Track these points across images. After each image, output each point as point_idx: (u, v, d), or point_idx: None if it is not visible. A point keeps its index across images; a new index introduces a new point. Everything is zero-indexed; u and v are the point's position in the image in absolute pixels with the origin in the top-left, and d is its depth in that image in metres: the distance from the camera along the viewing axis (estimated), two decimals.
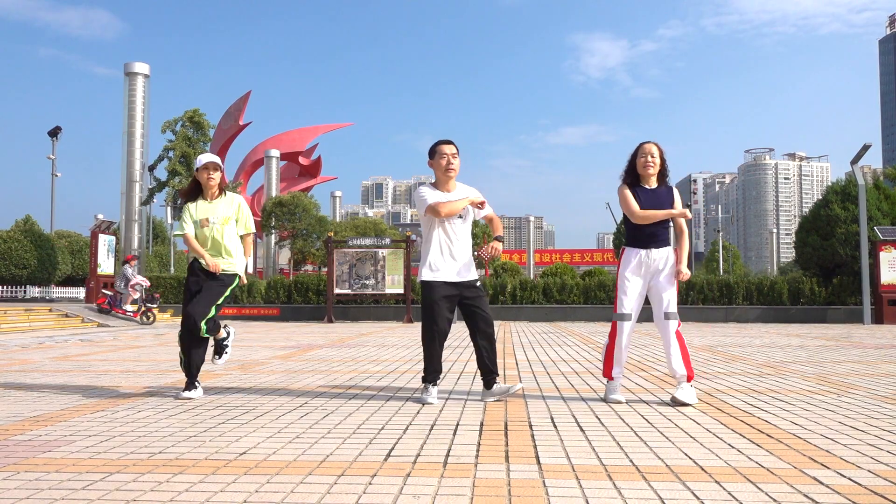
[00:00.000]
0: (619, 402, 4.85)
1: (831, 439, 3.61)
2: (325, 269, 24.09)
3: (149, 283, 19.73)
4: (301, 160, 62.76)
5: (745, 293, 22.11)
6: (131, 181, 26.43)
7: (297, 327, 17.40)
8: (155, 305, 19.15)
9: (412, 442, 3.56)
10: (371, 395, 5.29)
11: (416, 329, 16.25)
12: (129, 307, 18.96)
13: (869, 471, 2.96)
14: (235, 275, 5.40)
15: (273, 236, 43.63)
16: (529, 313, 21.99)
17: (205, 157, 5.38)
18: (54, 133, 43.02)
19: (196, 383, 5.27)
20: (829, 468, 3.01)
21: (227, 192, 5.50)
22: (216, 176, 5.37)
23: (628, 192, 4.95)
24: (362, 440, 3.62)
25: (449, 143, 5.00)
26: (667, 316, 4.85)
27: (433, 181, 5.08)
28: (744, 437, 3.68)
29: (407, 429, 3.92)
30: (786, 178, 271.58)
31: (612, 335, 5.00)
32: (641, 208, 4.88)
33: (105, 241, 24.00)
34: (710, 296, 22.18)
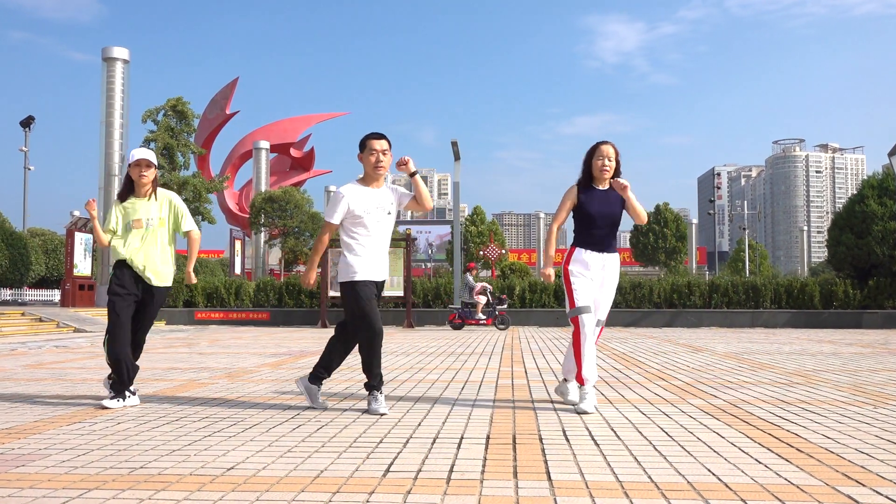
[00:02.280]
0: (587, 413, 4.88)
1: (867, 454, 3.60)
2: (319, 270, 24.15)
3: (491, 287, 19.91)
4: (292, 152, 62.83)
5: (773, 296, 22.10)
6: (110, 175, 26.50)
7: (289, 333, 17.42)
8: (504, 307, 19.39)
9: (413, 456, 3.57)
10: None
11: (416, 334, 16.25)
12: (481, 315, 19.13)
13: None
14: (168, 288, 5.51)
15: (262, 234, 43.70)
16: (540, 317, 22.00)
17: (137, 153, 5.43)
18: (27, 123, 43.12)
19: (131, 391, 5.32)
20: (864, 485, 3.01)
21: (161, 191, 5.53)
22: (149, 173, 5.41)
23: (568, 200, 5.20)
24: (359, 454, 3.62)
25: (380, 137, 5.13)
26: (598, 323, 5.18)
27: (361, 177, 5.19)
28: (771, 451, 3.68)
29: (407, 442, 3.92)
30: (817, 172, 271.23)
31: (576, 334, 5.07)
32: (593, 210, 5.11)
33: (82, 240, 24.05)
34: (736, 299, 22.17)
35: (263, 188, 47.12)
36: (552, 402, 5.49)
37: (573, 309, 5.07)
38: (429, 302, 22.73)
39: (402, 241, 21.89)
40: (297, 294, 23.04)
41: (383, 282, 5.21)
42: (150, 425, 4.49)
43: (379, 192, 5.12)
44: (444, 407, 5.21)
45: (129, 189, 5.47)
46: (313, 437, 4.10)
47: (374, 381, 5.09)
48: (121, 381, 5.25)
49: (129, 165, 5.41)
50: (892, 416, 4.76)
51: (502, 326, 18.87)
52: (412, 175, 5.07)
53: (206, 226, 32.84)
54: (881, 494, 2.88)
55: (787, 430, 4.25)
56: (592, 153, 5.22)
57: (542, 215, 62.74)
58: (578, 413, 4.90)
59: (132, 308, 5.33)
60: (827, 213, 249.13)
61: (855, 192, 23.71)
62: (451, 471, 3.27)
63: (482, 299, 19.15)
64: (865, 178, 23.79)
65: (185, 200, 31.64)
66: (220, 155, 60.70)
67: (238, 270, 38.17)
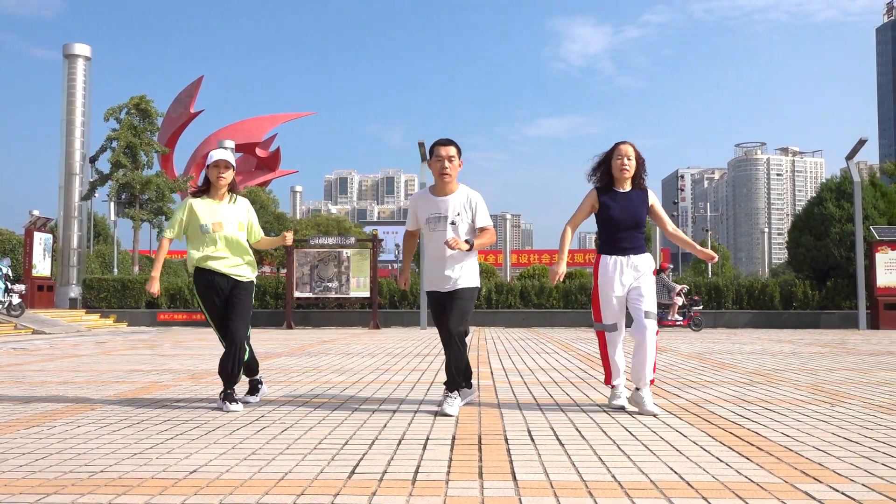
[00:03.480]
0: (621, 409, 5.07)
1: (824, 452, 3.67)
2: (285, 271, 23.97)
3: (687, 288, 19.44)
4: (258, 152, 62.35)
5: (734, 297, 22.44)
6: (70, 174, 26.02)
7: (254, 334, 17.27)
8: (700, 308, 19.13)
9: (378, 458, 3.56)
10: (334, 407, 5.28)
11: (383, 336, 16.23)
12: (677, 317, 18.72)
13: (863, 485, 3.03)
14: (253, 282, 5.44)
15: None
16: (506, 318, 22.08)
17: (216, 154, 5.37)
18: None
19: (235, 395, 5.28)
20: (821, 482, 3.07)
21: (239, 197, 5.46)
22: (227, 175, 5.31)
23: (587, 204, 5.10)
24: (324, 456, 3.60)
25: (447, 143, 4.98)
26: (647, 315, 4.93)
27: (432, 185, 5.12)
28: (732, 449, 3.74)
29: (373, 443, 3.91)
30: (778, 175, 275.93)
31: (602, 346, 5.13)
32: (614, 214, 4.98)
33: (41, 240, 23.60)
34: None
35: None
36: (518, 402, 5.51)
37: (598, 324, 5.07)
38: (395, 303, 22.69)
39: (368, 242, 21.83)
40: (261, 295, 22.85)
41: (453, 291, 5.01)
42: (111, 428, 4.42)
43: (444, 200, 4.99)
44: (410, 408, 5.20)
45: (205, 190, 5.37)
46: (278, 439, 4.07)
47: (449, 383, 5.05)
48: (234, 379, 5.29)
49: (208, 167, 5.33)
50: (849, 415, 4.86)
51: (697, 328, 18.68)
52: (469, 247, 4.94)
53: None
54: (837, 491, 2.93)
55: (748, 429, 4.32)
56: (611, 154, 5.07)
57: (508, 216, 62.85)
58: (630, 411, 4.98)
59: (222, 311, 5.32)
60: (787, 215, 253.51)
61: (814, 194, 24.16)
62: (416, 472, 3.27)
63: (679, 301, 18.86)
64: (824, 181, 24.25)
65: (149, 200, 31.24)
66: (185, 154, 60.00)
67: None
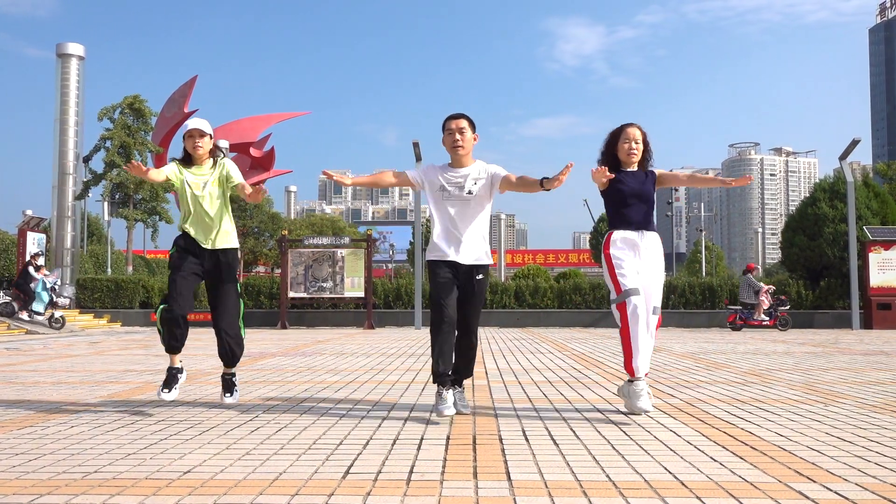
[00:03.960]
0: (647, 412, 4.62)
1: (818, 451, 3.68)
2: (279, 271, 23.95)
3: (773, 288, 19.32)
4: (252, 152, 62.16)
5: (729, 296, 22.46)
6: (64, 174, 25.94)
7: (248, 334, 17.22)
8: (787, 307, 19.09)
9: (373, 458, 3.56)
10: (328, 407, 5.27)
11: (377, 336, 16.22)
12: (763, 317, 18.63)
13: (856, 484, 3.03)
14: (236, 250, 5.19)
15: None
16: (500, 318, 22.09)
17: (190, 122, 5.10)
18: None
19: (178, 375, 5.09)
20: (815, 482, 3.08)
21: (218, 161, 5.19)
22: (204, 143, 5.06)
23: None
24: (318, 456, 3.60)
25: (458, 117, 4.82)
26: (653, 311, 4.71)
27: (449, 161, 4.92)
28: (726, 449, 3.74)
29: (367, 444, 3.91)
30: (772, 175, 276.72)
31: (623, 320, 4.62)
32: (623, 188, 4.74)
33: (34, 240, 23.53)
34: (693, 299, 22.51)
35: None
36: (512, 402, 5.52)
37: (620, 294, 4.62)
38: (389, 303, 22.68)
39: (363, 242, 21.82)
40: (256, 295, 22.83)
41: (472, 266, 4.74)
42: (105, 429, 4.40)
43: (460, 170, 4.81)
44: (405, 408, 5.20)
45: (188, 161, 5.14)
46: (272, 439, 4.06)
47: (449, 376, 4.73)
48: (172, 348, 4.99)
49: (183, 137, 5.10)
50: (842, 414, 4.87)
51: (784, 328, 18.61)
52: (543, 187, 4.61)
53: (163, 225, 32.34)
54: (831, 490, 2.94)
55: (742, 429, 4.32)
56: (617, 136, 4.85)
57: (502, 216, 62.98)
58: (636, 413, 4.67)
59: (192, 279, 4.99)
60: (781, 215, 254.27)
61: (808, 195, 24.23)
62: (411, 472, 3.27)
63: (766, 301, 18.79)
64: (818, 181, 24.33)
65: (142, 200, 31.15)
66: (178, 153, 59.84)
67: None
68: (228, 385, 5.18)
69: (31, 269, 19.14)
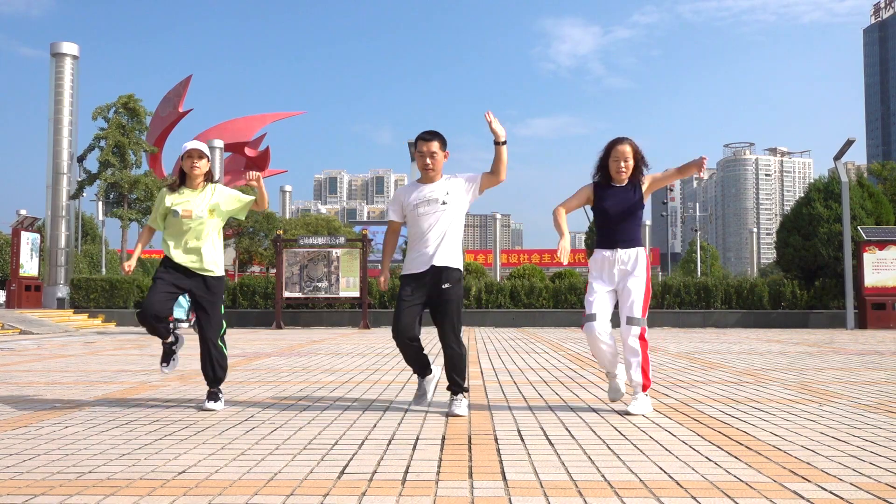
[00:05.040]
0: (617, 400, 5.20)
1: (812, 451, 3.69)
2: (274, 271, 23.92)
3: None
4: (247, 151, 62.12)
5: (723, 296, 22.52)
6: (58, 173, 25.88)
7: (243, 334, 17.22)
8: None
9: (368, 458, 3.56)
10: (323, 407, 5.27)
11: (373, 335, 16.22)
12: None
13: (851, 483, 3.04)
14: (222, 278, 5.33)
15: None
16: (495, 318, 22.10)
17: (189, 144, 5.29)
18: None
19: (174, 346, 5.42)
20: (810, 481, 3.08)
21: (212, 184, 5.36)
22: (201, 164, 5.24)
23: (582, 194, 5.07)
24: (314, 456, 3.60)
25: (428, 139, 4.93)
26: (629, 321, 4.85)
27: (419, 178, 5.11)
28: (721, 449, 3.75)
29: (362, 444, 3.91)
30: (766, 175, 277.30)
31: (588, 340, 5.05)
32: (608, 206, 4.91)
33: (28, 240, 23.47)
34: (687, 299, 22.55)
35: None
36: (508, 402, 5.52)
37: (585, 316, 4.98)
38: (385, 303, 22.66)
39: (358, 242, 21.80)
40: (251, 295, 22.80)
41: (444, 268, 4.85)
42: (99, 429, 4.40)
43: (432, 185, 4.97)
44: (400, 408, 5.20)
45: (182, 182, 5.33)
46: (267, 439, 4.06)
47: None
48: (159, 336, 5.26)
49: (181, 157, 5.30)
50: (837, 414, 4.89)
51: None
52: (499, 144, 4.80)
53: None
54: (826, 490, 2.95)
55: (737, 428, 4.33)
56: (608, 153, 4.94)
57: (497, 216, 62.92)
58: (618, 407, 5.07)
59: (171, 289, 5.18)
60: (776, 215, 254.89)
61: (802, 195, 24.28)
62: (406, 472, 3.27)
63: None
64: (812, 181, 24.38)
65: (136, 200, 31.07)
66: (173, 154, 59.69)
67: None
68: (213, 395, 5.26)
69: None
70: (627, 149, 4.89)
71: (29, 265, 23.42)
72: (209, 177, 5.35)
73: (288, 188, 79.41)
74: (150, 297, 5.10)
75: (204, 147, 5.34)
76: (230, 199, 5.34)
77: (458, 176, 5.05)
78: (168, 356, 5.42)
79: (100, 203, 34.16)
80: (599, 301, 4.92)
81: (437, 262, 4.85)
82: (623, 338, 4.91)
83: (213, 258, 5.27)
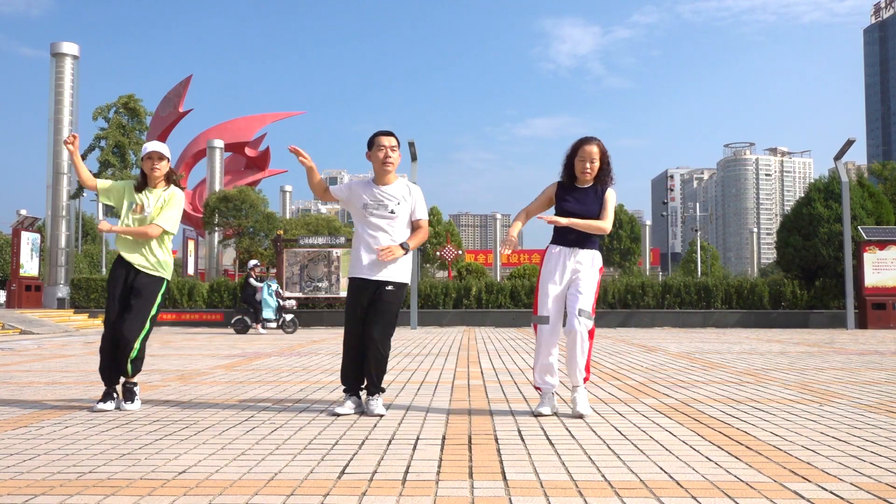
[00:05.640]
0: (543, 416, 4.76)
1: (813, 451, 3.69)
2: (274, 271, 23.92)
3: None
4: (247, 151, 62.09)
5: (724, 296, 22.52)
6: (58, 173, 25.90)
7: (243, 334, 17.20)
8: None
9: (368, 458, 3.56)
10: (324, 407, 5.27)
11: None
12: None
13: (852, 483, 3.04)
14: (164, 280, 5.35)
15: (216, 234, 43.13)
16: (496, 318, 22.10)
17: (149, 146, 5.37)
18: None
19: (114, 394, 5.23)
20: (810, 481, 3.08)
21: (173, 187, 5.44)
22: (161, 166, 5.33)
23: (544, 195, 5.00)
24: (314, 456, 3.60)
25: (388, 134, 5.05)
26: (581, 313, 4.73)
27: (372, 177, 5.13)
28: (722, 449, 3.75)
29: (363, 444, 3.91)
30: (767, 175, 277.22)
31: (537, 339, 4.95)
32: (568, 206, 4.82)
33: (29, 240, 23.48)
34: (688, 299, 22.54)
35: (217, 188, 46.48)
36: (508, 402, 5.52)
37: (534, 316, 4.91)
38: None
39: None
40: None
41: (383, 282, 4.92)
42: (99, 429, 4.40)
43: (385, 189, 5.00)
44: (400, 408, 5.20)
45: (144, 183, 5.39)
46: (267, 439, 4.06)
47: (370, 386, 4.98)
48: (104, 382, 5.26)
49: (142, 159, 5.36)
50: (838, 414, 4.89)
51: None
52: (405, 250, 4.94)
53: None
54: (826, 490, 2.95)
55: (737, 428, 4.33)
56: (575, 152, 4.84)
57: (498, 216, 62.95)
58: (536, 415, 4.81)
59: (119, 306, 5.24)
60: (776, 215, 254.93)
61: (802, 195, 24.28)
62: (406, 472, 3.27)
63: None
64: (812, 181, 24.38)
65: None
66: (174, 154, 59.76)
67: (191, 271, 37.58)
68: (129, 393, 5.24)
69: (251, 279, 18.02)
70: (594, 149, 4.79)
71: (29, 265, 23.42)
72: (169, 178, 5.43)
73: (288, 188, 79.38)
74: (108, 322, 5.22)
75: (164, 149, 5.40)
76: (162, 209, 5.35)
77: (412, 191, 5.09)
78: (108, 396, 5.22)
79: (100, 203, 34.18)
80: (554, 303, 4.85)
81: (391, 275, 4.94)
82: (571, 329, 4.76)
83: (156, 257, 5.29)
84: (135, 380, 5.29)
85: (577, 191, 4.89)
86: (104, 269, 33.99)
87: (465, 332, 17.82)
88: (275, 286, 18.13)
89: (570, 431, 4.27)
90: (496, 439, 4.02)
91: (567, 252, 4.83)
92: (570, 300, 4.79)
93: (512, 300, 22.74)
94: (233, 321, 17.84)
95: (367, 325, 4.91)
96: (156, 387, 6.55)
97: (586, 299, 4.76)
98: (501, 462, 3.45)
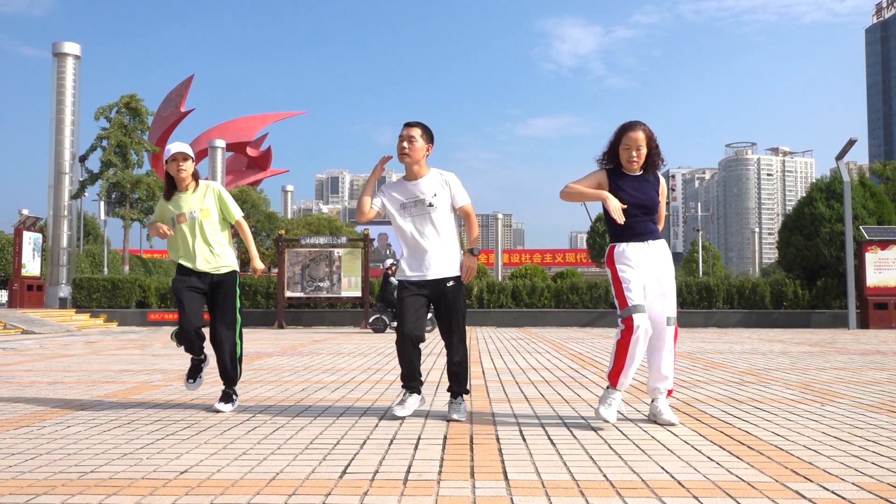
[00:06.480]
0: (607, 422, 4.34)
1: (814, 451, 3.69)
2: (276, 271, 23.92)
3: None
4: (249, 151, 62.21)
5: (725, 296, 22.51)
6: (60, 173, 25.91)
7: (245, 334, 17.19)
8: None
9: (370, 457, 3.56)
10: (325, 407, 5.27)
11: (374, 335, 16.22)
12: None
13: (853, 483, 3.04)
14: (234, 272, 5.29)
15: None
16: (497, 318, 22.09)
17: (173, 147, 5.24)
18: None
19: (202, 366, 5.38)
20: (812, 481, 3.08)
21: (202, 182, 5.32)
22: (186, 166, 5.19)
23: (595, 177, 4.53)
24: (315, 456, 3.60)
25: (409, 125, 4.79)
26: (669, 321, 4.43)
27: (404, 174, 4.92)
28: (724, 449, 3.75)
29: (364, 443, 3.91)
30: (768, 174, 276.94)
31: (626, 336, 4.30)
32: (626, 197, 4.41)
33: (30, 239, 23.49)
34: (689, 299, 22.52)
35: None
36: (510, 402, 5.52)
37: (626, 308, 4.30)
38: None
39: (360, 242, 21.79)
40: (253, 295, 22.81)
41: (442, 280, 4.71)
42: (101, 429, 4.40)
43: (418, 183, 4.76)
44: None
45: (172, 186, 5.27)
46: (269, 438, 4.06)
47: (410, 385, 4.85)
48: (193, 352, 5.26)
49: (167, 162, 5.21)
50: (839, 414, 4.88)
51: None
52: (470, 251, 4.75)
53: None
54: (828, 490, 2.95)
55: (739, 428, 4.33)
56: (619, 140, 4.45)
57: (499, 216, 62.92)
58: (598, 419, 4.37)
59: (199, 298, 5.18)
60: (777, 215, 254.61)
61: (804, 194, 24.26)
62: (408, 471, 3.27)
63: None
64: (814, 181, 24.36)
65: (139, 200, 31.09)
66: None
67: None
68: (227, 396, 5.20)
69: (391, 278, 17.63)
70: (640, 135, 4.41)
71: (31, 265, 23.43)
72: (196, 177, 5.33)
73: (290, 188, 79.45)
74: (185, 314, 5.08)
75: (187, 149, 5.28)
76: (225, 207, 5.33)
77: (446, 179, 4.82)
78: (196, 372, 5.38)
79: (102, 203, 34.19)
80: (641, 290, 4.35)
81: (440, 270, 4.73)
82: (660, 340, 4.43)
83: (221, 253, 5.23)
84: (234, 388, 5.26)
85: (630, 179, 4.49)
86: (106, 269, 33.99)
87: (467, 331, 17.78)
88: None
89: (571, 431, 4.26)
90: (498, 439, 4.02)
91: (641, 246, 4.43)
92: (658, 305, 4.42)
93: (513, 300, 22.72)
94: (371, 320, 17.71)
95: (444, 328, 4.80)
96: (157, 386, 6.55)
97: (672, 304, 4.45)
98: (503, 462, 3.45)
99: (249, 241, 5.41)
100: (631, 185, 4.48)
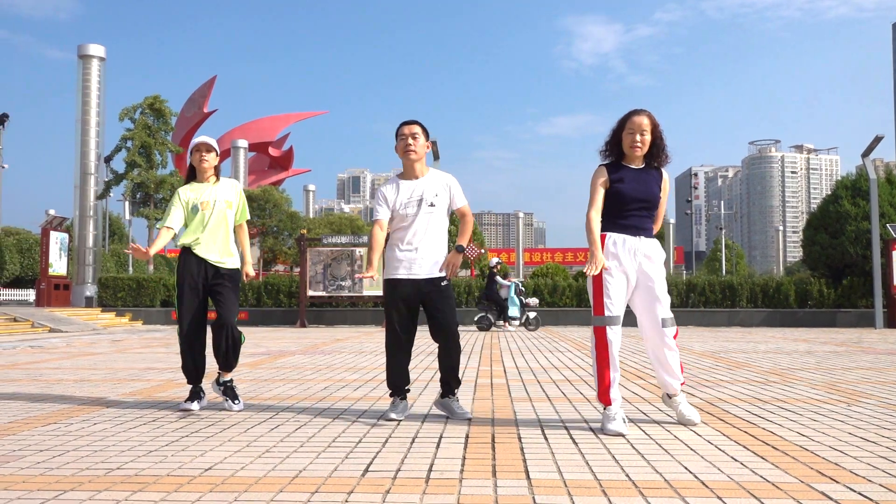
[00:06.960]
0: (621, 435, 4.10)
1: (840, 451, 3.65)
2: (298, 270, 24.04)
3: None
4: (271, 151, 62.58)
5: (749, 295, 22.30)
6: (86, 174, 26.22)
7: (267, 332, 17.32)
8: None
9: (392, 455, 3.57)
10: (348, 405, 5.29)
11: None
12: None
13: (880, 485, 3.00)
14: (238, 270, 5.32)
15: None
16: None
17: (197, 138, 5.33)
18: (1, 121, 42.56)
19: (200, 392, 5.25)
20: (838, 482, 3.05)
21: (223, 178, 5.39)
22: (210, 157, 5.24)
23: (599, 184, 4.34)
24: (338, 454, 3.61)
25: (410, 122, 4.80)
26: (664, 323, 4.30)
27: (400, 171, 4.91)
28: (748, 449, 3.72)
29: (386, 441, 3.92)
30: (793, 172, 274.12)
31: (601, 347, 4.22)
32: (625, 189, 4.28)
33: (57, 239, 23.80)
34: (713, 298, 22.35)
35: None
36: (531, 401, 5.51)
37: (599, 317, 4.21)
38: None
39: None
40: (275, 293, 22.94)
41: (434, 279, 4.70)
42: (127, 426, 4.45)
43: (418, 182, 4.75)
44: (423, 406, 5.20)
45: (192, 177, 5.34)
46: (292, 436, 4.08)
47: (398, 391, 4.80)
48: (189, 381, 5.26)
49: (190, 152, 5.30)
50: (866, 414, 4.82)
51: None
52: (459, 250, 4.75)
53: None
54: (854, 491, 2.91)
55: (763, 429, 4.29)
56: (622, 126, 4.31)
57: (521, 215, 62.80)
58: (610, 434, 4.12)
59: (201, 304, 5.25)
60: (802, 213, 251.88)
61: (829, 192, 23.98)
62: (430, 470, 3.27)
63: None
64: (839, 178, 24.08)
65: (163, 200, 31.38)
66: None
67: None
68: (232, 392, 5.23)
69: (497, 277, 17.93)
70: (645, 120, 4.27)
71: (58, 264, 23.74)
72: (217, 171, 5.37)
73: (311, 187, 79.83)
74: (186, 327, 5.19)
75: (212, 141, 5.34)
76: (241, 207, 5.39)
77: (445, 180, 4.82)
78: (194, 396, 5.23)
79: (127, 203, 34.56)
80: (622, 300, 4.27)
81: (429, 269, 4.72)
82: (658, 342, 4.32)
83: (233, 251, 5.29)
84: (229, 376, 5.30)
85: (631, 171, 4.34)
86: (131, 269, 34.34)
87: (489, 331, 17.79)
88: (519, 286, 18.06)
89: (593, 431, 4.25)
90: (519, 438, 4.01)
91: (633, 241, 4.28)
92: (650, 308, 4.29)
93: (535, 299, 22.65)
94: (476, 318, 17.77)
95: (435, 323, 4.74)
96: (182, 384, 6.61)
97: (666, 306, 4.31)
98: (525, 461, 3.45)
99: (246, 246, 5.43)
100: (631, 177, 4.34)
